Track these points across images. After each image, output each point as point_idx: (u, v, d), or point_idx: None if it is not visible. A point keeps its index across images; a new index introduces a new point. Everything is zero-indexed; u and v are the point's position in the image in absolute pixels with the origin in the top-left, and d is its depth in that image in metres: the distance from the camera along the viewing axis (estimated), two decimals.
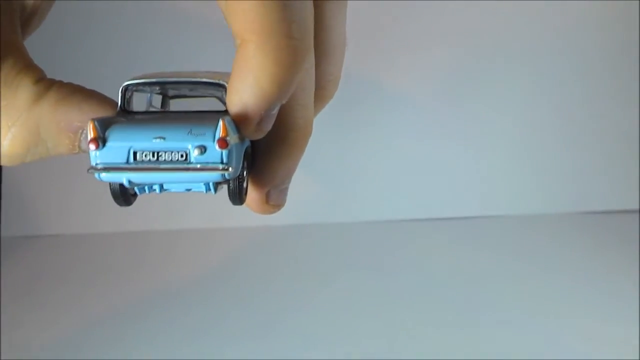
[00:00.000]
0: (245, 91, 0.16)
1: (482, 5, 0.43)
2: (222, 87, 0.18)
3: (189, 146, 0.17)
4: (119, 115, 0.18)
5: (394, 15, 0.43)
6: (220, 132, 0.17)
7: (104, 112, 0.17)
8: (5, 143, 0.17)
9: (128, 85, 0.18)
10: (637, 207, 0.46)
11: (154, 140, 0.17)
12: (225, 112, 0.17)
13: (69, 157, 0.50)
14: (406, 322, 0.31)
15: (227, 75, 0.18)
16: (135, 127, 0.18)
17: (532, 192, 0.47)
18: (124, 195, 0.19)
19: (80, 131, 0.17)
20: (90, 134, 0.16)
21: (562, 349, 0.28)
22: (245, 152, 0.18)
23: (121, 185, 0.18)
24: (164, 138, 0.17)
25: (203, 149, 0.17)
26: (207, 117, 0.18)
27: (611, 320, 0.30)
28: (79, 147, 0.17)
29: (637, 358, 0.27)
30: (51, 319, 0.32)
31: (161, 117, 0.19)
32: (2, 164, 0.17)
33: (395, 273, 0.36)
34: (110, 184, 0.18)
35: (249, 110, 0.16)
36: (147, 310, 0.33)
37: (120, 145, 0.17)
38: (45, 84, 0.17)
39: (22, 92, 0.16)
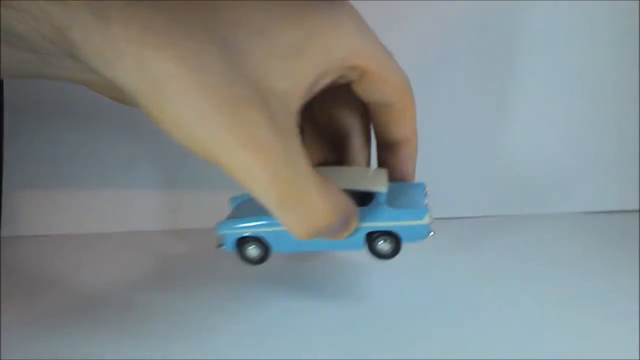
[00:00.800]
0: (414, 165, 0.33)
1: (482, 5, 0.43)
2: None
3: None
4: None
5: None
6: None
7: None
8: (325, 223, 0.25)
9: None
10: (637, 207, 0.46)
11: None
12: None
13: (68, 158, 0.49)
14: (406, 322, 0.31)
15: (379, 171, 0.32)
16: (411, 202, 0.31)
17: (531, 191, 0.47)
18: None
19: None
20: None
21: (562, 348, 0.28)
22: None
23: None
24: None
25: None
26: (408, 187, 0.33)
27: (611, 320, 0.30)
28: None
29: (637, 358, 0.27)
30: (51, 319, 0.32)
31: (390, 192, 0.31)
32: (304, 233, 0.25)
33: (395, 273, 0.36)
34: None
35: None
36: (150, 309, 0.33)
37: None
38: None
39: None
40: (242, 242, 0.31)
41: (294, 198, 0.23)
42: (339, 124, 0.33)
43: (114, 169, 0.46)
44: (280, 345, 0.28)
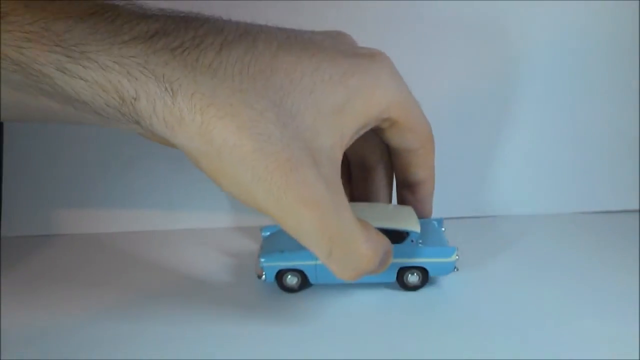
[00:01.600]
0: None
1: (483, 5, 0.43)
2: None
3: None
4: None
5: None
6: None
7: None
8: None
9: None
10: (637, 207, 0.46)
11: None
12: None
13: (70, 158, 0.49)
14: (407, 323, 0.31)
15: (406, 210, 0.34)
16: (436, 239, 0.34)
17: (532, 192, 0.47)
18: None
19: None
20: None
21: (561, 349, 0.28)
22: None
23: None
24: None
25: None
26: (431, 228, 0.35)
27: (611, 320, 0.30)
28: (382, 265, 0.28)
29: (637, 358, 0.27)
30: (51, 320, 0.32)
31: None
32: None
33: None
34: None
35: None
36: (148, 310, 0.33)
37: None
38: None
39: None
40: (281, 273, 0.33)
41: (343, 249, 0.25)
42: (363, 160, 0.35)
43: (115, 168, 0.46)
44: (278, 349, 0.28)
